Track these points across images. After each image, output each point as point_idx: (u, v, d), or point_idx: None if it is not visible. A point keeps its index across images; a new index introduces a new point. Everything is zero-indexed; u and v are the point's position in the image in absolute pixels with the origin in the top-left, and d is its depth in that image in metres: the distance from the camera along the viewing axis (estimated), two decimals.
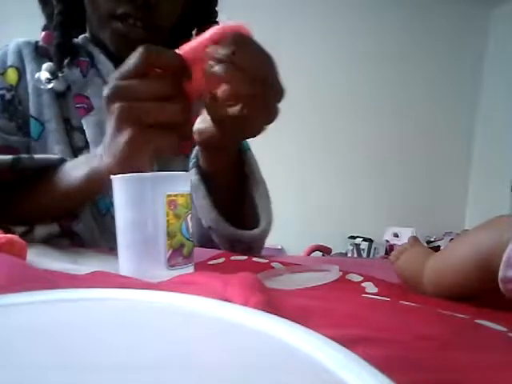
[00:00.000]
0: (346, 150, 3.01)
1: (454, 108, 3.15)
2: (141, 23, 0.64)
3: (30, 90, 0.69)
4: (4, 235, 0.38)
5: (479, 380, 0.20)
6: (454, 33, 3.08)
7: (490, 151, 3.08)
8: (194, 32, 0.76)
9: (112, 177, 0.42)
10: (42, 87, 0.68)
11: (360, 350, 0.15)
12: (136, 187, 0.41)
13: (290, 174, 2.89)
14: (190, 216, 0.42)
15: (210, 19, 0.75)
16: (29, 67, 0.70)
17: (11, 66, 0.70)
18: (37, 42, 0.73)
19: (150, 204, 0.40)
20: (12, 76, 0.70)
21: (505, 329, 0.29)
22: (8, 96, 0.68)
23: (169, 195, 0.40)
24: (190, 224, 0.42)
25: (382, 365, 0.14)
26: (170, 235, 0.40)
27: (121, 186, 0.41)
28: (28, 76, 0.70)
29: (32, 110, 0.69)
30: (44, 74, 0.68)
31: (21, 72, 0.70)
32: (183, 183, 0.42)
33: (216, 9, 0.76)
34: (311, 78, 2.89)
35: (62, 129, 0.68)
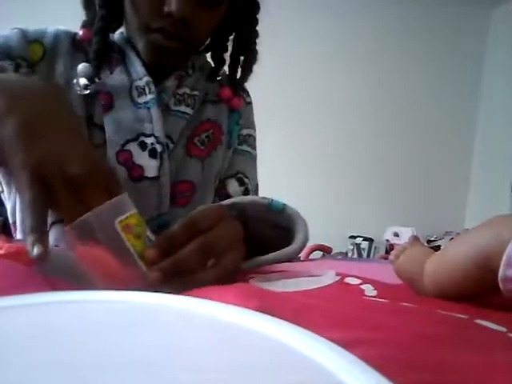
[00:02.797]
0: (346, 150, 3.01)
1: (454, 108, 3.15)
2: (175, 38, 0.64)
3: (59, 80, 0.68)
4: (14, 245, 0.38)
5: (479, 380, 0.19)
6: (454, 33, 3.08)
7: (490, 151, 3.08)
8: (231, 37, 0.75)
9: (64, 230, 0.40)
10: (79, 92, 0.67)
11: (359, 350, 0.15)
12: (87, 232, 0.39)
13: (290, 174, 2.89)
14: (148, 230, 0.41)
15: (251, 27, 0.75)
16: (63, 58, 0.69)
17: (38, 42, 0.68)
18: (75, 34, 0.72)
19: (109, 241, 0.39)
20: (37, 51, 0.68)
21: (505, 329, 0.29)
22: (24, 69, 0.66)
23: (120, 221, 0.39)
24: (152, 237, 0.41)
25: (381, 365, 0.14)
26: (140, 256, 0.40)
27: (73, 237, 0.39)
28: (61, 67, 0.68)
29: None
30: (82, 80, 0.67)
31: (46, 52, 0.68)
32: (127, 204, 0.41)
33: (257, 16, 0.74)
34: (311, 79, 2.89)
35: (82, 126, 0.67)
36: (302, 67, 2.87)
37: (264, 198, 0.64)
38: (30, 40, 0.68)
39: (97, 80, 0.68)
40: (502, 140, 2.96)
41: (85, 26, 0.72)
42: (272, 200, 0.63)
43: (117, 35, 0.73)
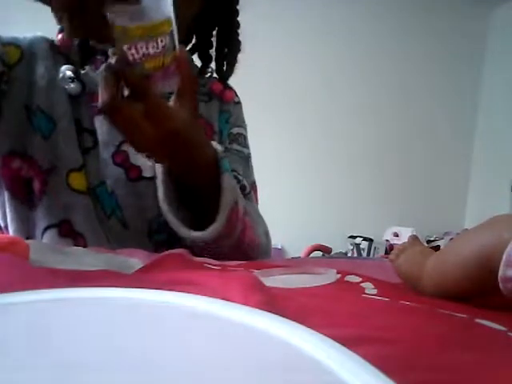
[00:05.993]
0: (345, 150, 3.02)
1: (454, 108, 3.15)
2: None
3: (40, 82, 0.67)
4: (6, 235, 0.38)
5: (479, 380, 0.20)
6: (454, 33, 3.08)
7: (490, 151, 3.08)
8: (214, 32, 0.76)
9: None
10: (66, 86, 0.66)
11: (360, 349, 0.15)
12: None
13: (290, 174, 2.90)
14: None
15: (231, 18, 0.75)
16: (43, 60, 0.68)
17: (14, 45, 0.67)
18: (53, 41, 0.71)
19: None
20: (13, 54, 0.67)
21: (505, 328, 0.29)
22: (0, 69, 0.64)
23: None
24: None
25: (381, 365, 0.14)
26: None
27: None
28: (42, 68, 0.68)
29: (43, 103, 0.67)
30: (68, 73, 0.66)
31: (24, 55, 0.67)
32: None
33: (237, 7, 0.75)
34: (311, 78, 2.89)
35: (72, 129, 0.67)
36: (302, 68, 2.87)
37: (223, 151, 0.63)
38: (5, 43, 0.67)
39: (82, 71, 0.67)
40: (502, 140, 2.96)
41: (62, 31, 0.70)
42: (224, 158, 0.62)
43: None
